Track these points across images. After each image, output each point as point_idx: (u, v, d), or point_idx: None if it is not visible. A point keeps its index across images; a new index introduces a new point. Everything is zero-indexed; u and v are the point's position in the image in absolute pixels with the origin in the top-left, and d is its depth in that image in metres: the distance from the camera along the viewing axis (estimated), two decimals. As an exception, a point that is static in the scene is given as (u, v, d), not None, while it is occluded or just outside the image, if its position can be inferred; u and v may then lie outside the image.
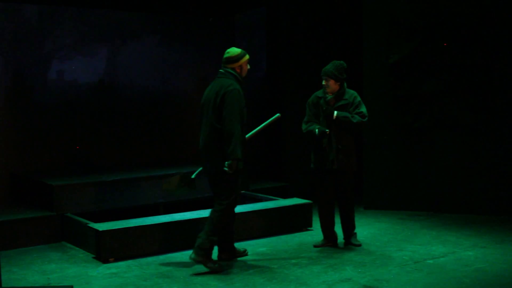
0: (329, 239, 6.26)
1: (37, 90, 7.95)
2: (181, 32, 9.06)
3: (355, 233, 6.30)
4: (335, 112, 5.90)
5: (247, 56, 5.66)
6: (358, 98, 6.03)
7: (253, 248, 6.18)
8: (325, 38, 8.70)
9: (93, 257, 5.89)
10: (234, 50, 5.65)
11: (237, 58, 5.60)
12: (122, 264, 5.69)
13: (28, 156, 7.83)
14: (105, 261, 5.74)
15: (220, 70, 5.64)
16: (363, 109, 5.99)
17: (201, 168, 5.78)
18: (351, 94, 6.04)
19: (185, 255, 5.92)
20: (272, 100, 8.95)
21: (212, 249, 5.48)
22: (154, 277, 5.29)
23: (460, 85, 7.65)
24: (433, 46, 7.69)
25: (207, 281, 5.16)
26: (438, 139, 7.79)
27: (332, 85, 5.95)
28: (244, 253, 5.94)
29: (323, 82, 5.98)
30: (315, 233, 6.73)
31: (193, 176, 5.86)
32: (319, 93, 6.12)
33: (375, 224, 7.17)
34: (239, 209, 6.77)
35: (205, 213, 6.50)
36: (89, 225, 6.02)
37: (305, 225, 7.00)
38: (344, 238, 6.30)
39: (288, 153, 8.82)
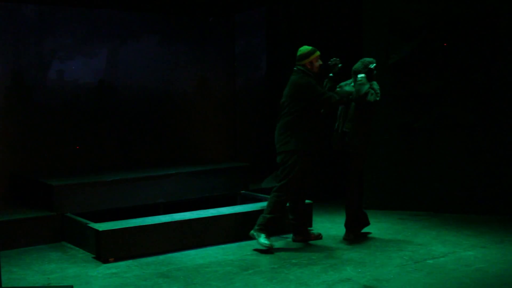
0: (362, 221, 6.54)
1: (37, 90, 7.95)
2: (181, 32, 9.06)
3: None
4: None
5: (317, 53, 6.15)
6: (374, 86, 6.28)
7: (253, 248, 6.18)
8: (325, 38, 8.68)
9: (93, 257, 5.89)
10: (304, 48, 6.17)
11: (307, 55, 6.12)
12: (122, 264, 5.69)
13: (28, 156, 7.82)
14: (105, 261, 5.74)
15: (294, 68, 6.20)
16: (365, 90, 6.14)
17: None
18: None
19: (185, 255, 5.93)
20: (272, 100, 8.93)
21: (267, 226, 6.01)
22: (154, 277, 5.29)
23: (460, 85, 7.65)
24: (433, 46, 7.69)
25: (207, 281, 5.16)
26: (438, 139, 7.79)
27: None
28: (318, 236, 6.43)
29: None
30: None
31: (279, 172, 6.23)
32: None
33: (375, 224, 7.16)
34: (239, 209, 6.79)
35: (205, 213, 6.52)
36: (89, 225, 6.02)
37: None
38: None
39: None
